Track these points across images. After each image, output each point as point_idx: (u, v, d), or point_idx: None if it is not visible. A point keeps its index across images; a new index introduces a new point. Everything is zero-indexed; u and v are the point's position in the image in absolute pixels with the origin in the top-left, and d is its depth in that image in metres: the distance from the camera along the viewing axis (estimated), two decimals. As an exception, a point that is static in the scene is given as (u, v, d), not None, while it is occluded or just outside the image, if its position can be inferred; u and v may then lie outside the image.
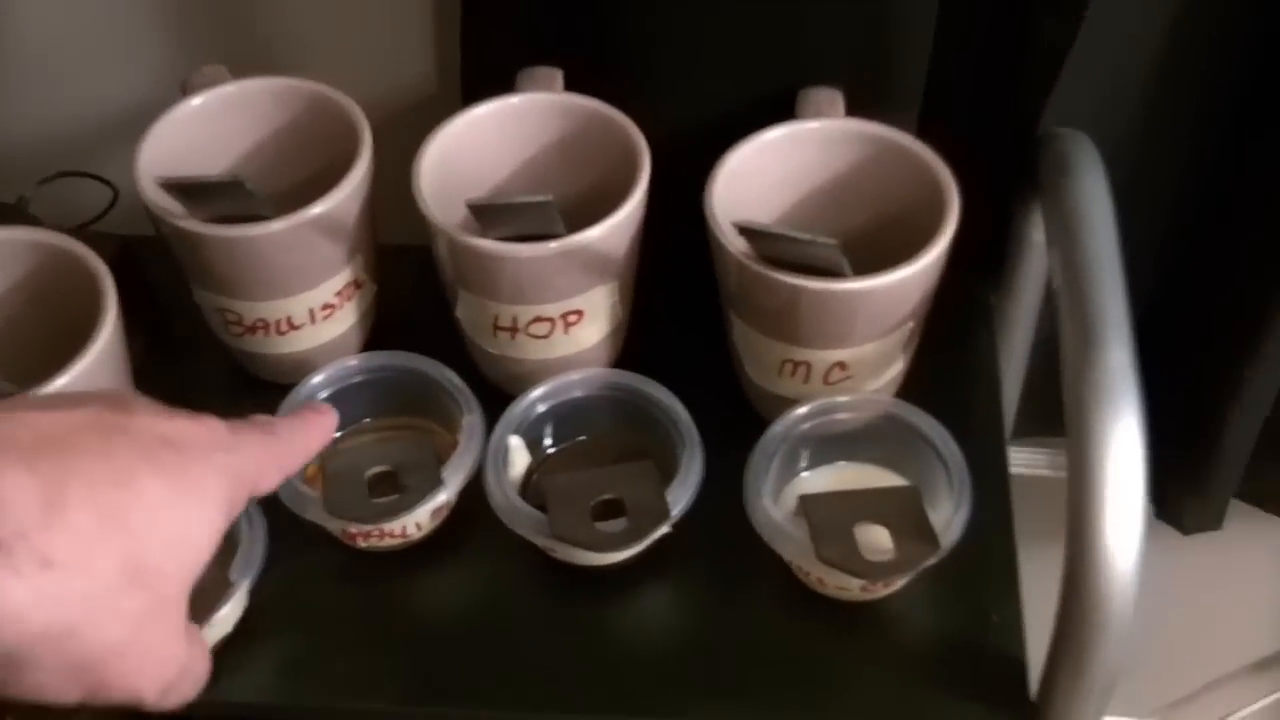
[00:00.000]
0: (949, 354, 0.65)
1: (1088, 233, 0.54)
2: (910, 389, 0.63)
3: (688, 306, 0.65)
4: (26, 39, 0.74)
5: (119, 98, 0.75)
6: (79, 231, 0.63)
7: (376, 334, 0.66)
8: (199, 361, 0.67)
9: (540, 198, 0.53)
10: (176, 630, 0.40)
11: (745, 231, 0.53)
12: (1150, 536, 0.50)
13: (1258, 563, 1.00)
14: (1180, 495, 0.75)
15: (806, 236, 0.52)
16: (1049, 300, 0.63)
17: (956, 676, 0.57)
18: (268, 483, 0.45)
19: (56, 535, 0.36)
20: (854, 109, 0.61)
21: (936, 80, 0.62)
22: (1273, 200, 0.64)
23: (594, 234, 0.56)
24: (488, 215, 0.54)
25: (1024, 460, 0.82)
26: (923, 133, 0.62)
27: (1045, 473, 0.81)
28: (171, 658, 0.41)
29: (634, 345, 0.65)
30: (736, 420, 0.60)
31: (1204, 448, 0.72)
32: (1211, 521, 0.76)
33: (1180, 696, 1.13)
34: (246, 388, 0.65)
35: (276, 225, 0.57)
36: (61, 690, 0.38)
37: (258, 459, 0.44)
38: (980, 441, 0.62)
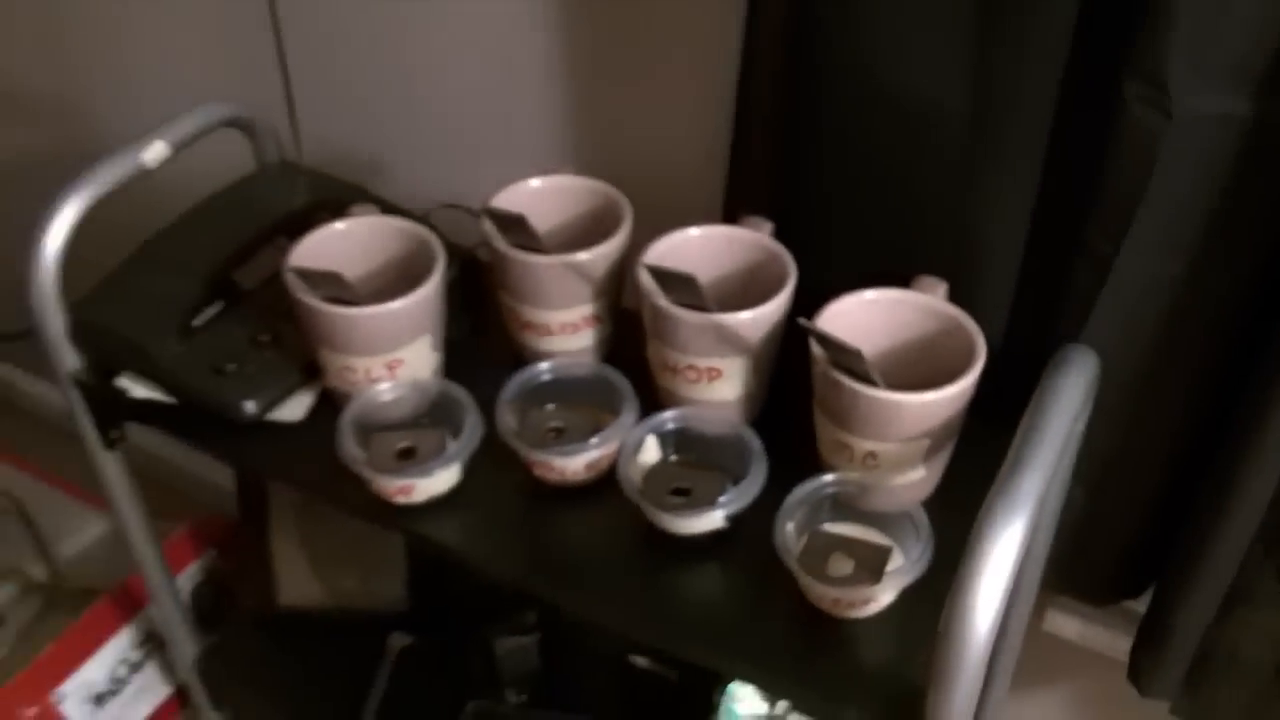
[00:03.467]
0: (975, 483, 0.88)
1: (1042, 417, 0.76)
2: (940, 495, 0.87)
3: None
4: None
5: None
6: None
7: (610, 356, 0.98)
8: (494, 347, 1.01)
9: (689, 272, 0.83)
10: None
11: (820, 339, 0.80)
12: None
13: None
14: (1141, 656, 0.92)
15: (852, 346, 0.78)
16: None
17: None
18: None
19: None
20: (958, 300, 0.87)
21: (1023, 284, 0.87)
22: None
23: (742, 318, 0.85)
24: (666, 281, 0.85)
25: (1057, 623, 1.01)
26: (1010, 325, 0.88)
27: (1070, 638, 0.99)
28: None
29: (770, 409, 0.93)
30: (810, 470, 0.86)
31: (1164, 611, 0.90)
32: (1168, 691, 0.91)
33: None
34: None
35: (551, 260, 0.90)
36: None
37: None
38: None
